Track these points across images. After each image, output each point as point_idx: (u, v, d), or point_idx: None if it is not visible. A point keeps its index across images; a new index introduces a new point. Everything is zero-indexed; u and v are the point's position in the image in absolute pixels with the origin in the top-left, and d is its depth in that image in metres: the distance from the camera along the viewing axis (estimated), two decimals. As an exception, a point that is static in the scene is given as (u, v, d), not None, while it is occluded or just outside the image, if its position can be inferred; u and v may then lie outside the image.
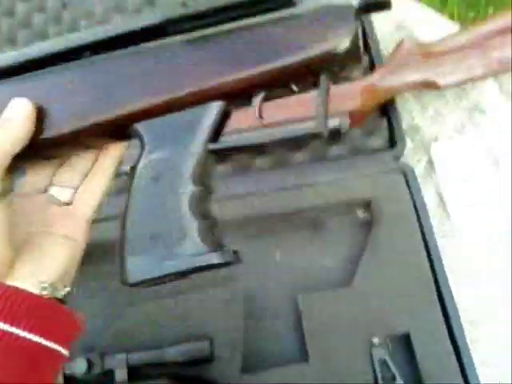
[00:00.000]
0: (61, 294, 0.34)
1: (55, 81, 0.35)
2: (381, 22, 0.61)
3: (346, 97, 0.53)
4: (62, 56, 0.34)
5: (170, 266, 0.32)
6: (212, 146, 0.35)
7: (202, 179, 0.34)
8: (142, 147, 0.34)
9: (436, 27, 0.64)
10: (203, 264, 0.32)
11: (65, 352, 0.33)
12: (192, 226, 0.33)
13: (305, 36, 0.33)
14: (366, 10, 0.34)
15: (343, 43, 0.33)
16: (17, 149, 0.32)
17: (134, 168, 0.34)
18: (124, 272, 0.33)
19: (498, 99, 0.60)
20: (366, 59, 0.58)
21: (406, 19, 0.65)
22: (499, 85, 0.61)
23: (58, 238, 0.36)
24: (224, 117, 0.34)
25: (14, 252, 0.33)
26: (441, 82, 0.52)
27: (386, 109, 0.56)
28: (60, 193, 0.37)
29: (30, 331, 0.31)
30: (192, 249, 0.32)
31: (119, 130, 0.35)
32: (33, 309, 0.31)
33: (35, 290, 0.32)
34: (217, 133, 0.35)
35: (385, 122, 0.56)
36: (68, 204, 0.37)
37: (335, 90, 0.53)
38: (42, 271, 0.34)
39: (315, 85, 0.36)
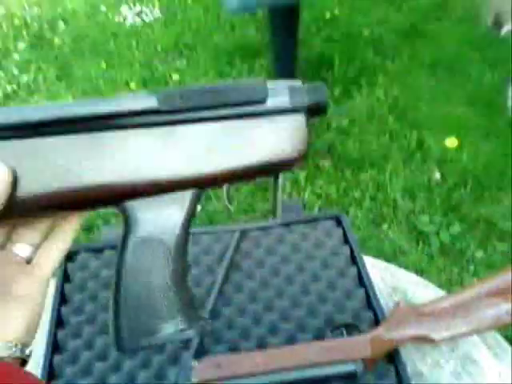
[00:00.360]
0: (26, 353, 0.34)
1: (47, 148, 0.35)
2: (381, 287, 0.77)
3: (358, 345, 0.65)
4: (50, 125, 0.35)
5: (157, 339, 0.38)
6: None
7: (183, 257, 0.39)
8: (128, 225, 0.38)
9: (426, 291, 0.79)
10: (184, 339, 0.41)
11: None
12: (175, 302, 0.38)
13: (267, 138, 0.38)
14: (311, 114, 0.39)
15: (298, 155, 0.39)
16: None
17: (123, 243, 0.38)
18: (120, 340, 0.38)
19: (486, 351, 0.72)
20: (371, 315, 0.71)
21: (399, 284, 0.81)
22: (483, 339, 0.73)
23: (17, 298, 0.35)
24: (197, 201, 0.39)
25: None
26: (435, 336, 0.65)
27: (393, 356, 0.67)
28: (20, 249, 0.37)
29: None
30: (175, 326, 0.38)
31: (98, 202, 0.37)
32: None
33: (4, 351, 0.32)
34: (193, 214, 0.39)
35: (393, 368, 0.67)
36: (28, 262, 0.37)
37: (349, 341, 0.65)
38: (7, 332, 0.33)
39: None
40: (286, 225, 0.84)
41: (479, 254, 1.72)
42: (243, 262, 0.80)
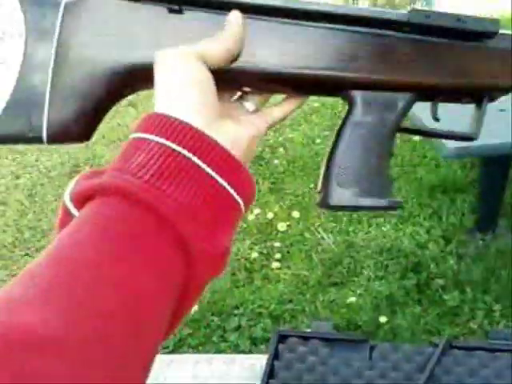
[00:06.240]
0: None
1: (284, 30, 0.42)
2: None
3: None
4: (297, 13, 0.42)
5: (364, 202, 0.44)
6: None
7: (392, 143, 0.45)
8: (350, 109, 0.44)
9: None
10: (385, 205, 0.44)
11: (243, 207, 0.36)
12: (384, 172, 0.44)
13: (483, 67, 0.45)
14: None
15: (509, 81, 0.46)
16: (229, 47, 0.39)
17: (344, 121, 0.44)
18: (327, 196, 0.44)
19: None
20: None
21: None
22: None
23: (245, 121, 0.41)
24: (411, 105, 0.46)
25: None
26: None
27: None
28: (249, 105, 0.44)
29: (214, 171, 0.34)
30: (380, 193, 0.44)
31: (327, 88, 0.44)
32: (222, 154, 0.35)
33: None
34: (404, 114, 0.45)
35: None
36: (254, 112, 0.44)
37: None
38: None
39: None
40: (493, 350, 0.85)
41: None
42: (443, 378, 0.82)
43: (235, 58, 0.40)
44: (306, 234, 2.31)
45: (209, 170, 0.34)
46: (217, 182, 0.34)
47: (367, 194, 0.44)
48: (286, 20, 0.42)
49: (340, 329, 1.69)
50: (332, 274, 2.05)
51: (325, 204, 0.44)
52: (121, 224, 0.31)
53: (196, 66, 0.37)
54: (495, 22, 0.45)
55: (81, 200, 0.34)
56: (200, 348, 1.76)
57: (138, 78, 0.41)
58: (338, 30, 0.43)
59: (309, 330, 1.00)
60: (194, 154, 0.33)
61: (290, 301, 1.90)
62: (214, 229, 0.33)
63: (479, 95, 0.50)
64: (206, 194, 0.33)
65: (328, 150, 0.46)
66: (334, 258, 2.12)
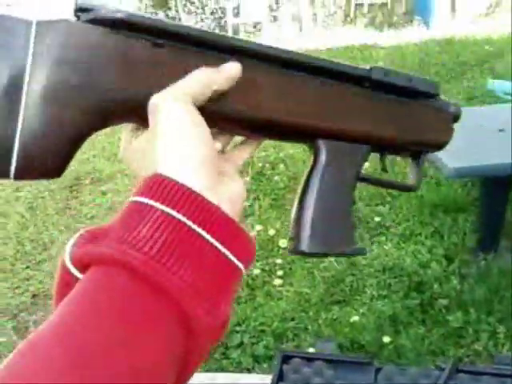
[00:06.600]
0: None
1: (282, 79, 0.44)
2: None
3: None
4: (302, 66, 0.44)
5: (333, 249, 0.47)
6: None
7: (354, 192, 0.48)
8: (316, 160, 0.47)
9: None
10: (352, 252, 0.48)
11: (243, 271, 0.36)
12: (349, 222, 0.48)
13: (427, 124, 0.51)
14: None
15: (446, 139, 0.53)
16: (219, 89, 0.39)
17: (311, 170, 0.47)
18: (299, 244, 0.46)
19: None
20: None
21: None
22: None
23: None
24: (368, 156, 0.50)
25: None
26: None
27: None
28: (217, 143, 0.42)
29: (217, 240, 0.34)
30: (348, 240, 0.47)
31: (296, 135, 0.47)
32: (224, 222, 0.35)
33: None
34: (362, 164, 0.49)
35: None
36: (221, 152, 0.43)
37: None
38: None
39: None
40: (499, 375, 0.85)
41: None
42: (450, 402, 0.82)
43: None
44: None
45: (213, 240, 0.34)
46: (219, 251, 0.34)
47: (336, 241, 0.47)
48: (258, 63, 0.43)
49: (343, 348, 1.68)
50: (334, 292, 2.05)
51: (297, 251, 0.47)
52: (127, 300, 0.31)
53: (192, 113, 0.37)
54: (437, 84, 0.52)
55: (82, 265, 0.34)
56: (202, 364, 1.75)
57: (117, 112, 0.39)
58: (309, 79, 0.45)
59: (312, 350, 1.00)
60: (199, 226, 0.33)
61: (293, 319, 1.89)
62: (217, 301, 0.34)
63: (419, 150, 0.55)
64: (210, 266, 0.34)
65: (297, 196, 0.48)
66: (337, 276, 2.11)
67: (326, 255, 0.48)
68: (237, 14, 7.13)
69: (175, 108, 0.37)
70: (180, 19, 7.28)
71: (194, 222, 0.33)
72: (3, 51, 0.35)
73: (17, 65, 0.35)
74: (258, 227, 2.57)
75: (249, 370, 1.66)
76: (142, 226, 0.33)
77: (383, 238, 2.37)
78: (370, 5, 7.38)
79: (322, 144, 0.47)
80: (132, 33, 0.39)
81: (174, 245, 0.32)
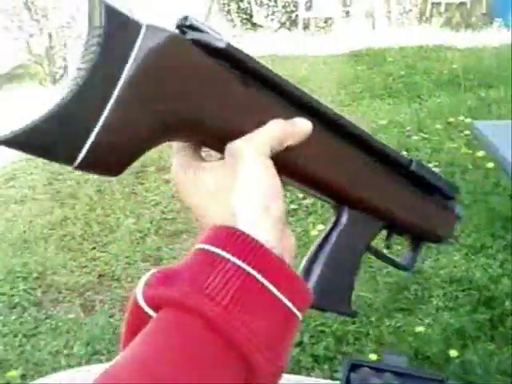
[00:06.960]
0: None
1: (338, 144, 0.47)
2: None
3: None
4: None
5: (333, 306, 0.52)
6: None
7: (361, 259, 0.53)
8: (337, 222, 0.51)
9: None
10: (346, 313, 0.53)
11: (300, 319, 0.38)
12: (351, 284, 0.52)
13: (439, 219, 0.58)
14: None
15: (448, 235, 0.60)
16: (292, 143, 0.41)
17: (331, 229, 0.52)
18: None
19: None
20: None
21: None
22: None
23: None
24: (380, 231, 0.55)
25: None
26: None
27: None
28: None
29: (284, 295, 0.36)
30: (346, 301, 0.52)
31: (328, 194, 0.50)
32: (290, 278, 0.37)
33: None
34: (374, 237, 0.54)
35: None
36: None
37: None
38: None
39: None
40: None
41: None
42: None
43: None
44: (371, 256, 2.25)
45: (279, 294, 0.36)
46: (285, 305, 0.36)
47: (335, 300, 0.52)
48: (321, 123, 0.45)
49: (407, 358, 1.62)
50: (398, 299, 1.98)
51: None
52: (199, 348, 0.34)
53: (271, 168, 0.39)
54: (458, 189, 0.58)
55: (154, 304, 0.36)
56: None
57: (197, 135, 0.41)
58: (360, 151, 0.49)
59: (373, 356, 0.97)
60: (270, 281, 0.36)
61: (354, 322, 1.85)
62: (280, 351, 0.36)
63: (420, 238, 0.61)
64: (276, 318, 0.36)
65: (312, 248, 0.52)
66: (400, 283, 2.05)
67: (322, 310, 0.52)
68: (309, 8, 7.07)
69: (259, 161, 0.38)
70: (251, 11, 7.31)
71: (263, 277, 0.35)
72: (112, 42, 0.35)
73: (120, 58, 0.36)
74: (320, 226, 2.54)
75: (308, 370, 1.65)
76: (214, 275, 0.35)
77: (451, 249, 2.28)
78: (448, 4, 7.11)
79: (346, 209, 0.51)
80: (227, 63, 0.39)
81: (245, 297, 0.35)
